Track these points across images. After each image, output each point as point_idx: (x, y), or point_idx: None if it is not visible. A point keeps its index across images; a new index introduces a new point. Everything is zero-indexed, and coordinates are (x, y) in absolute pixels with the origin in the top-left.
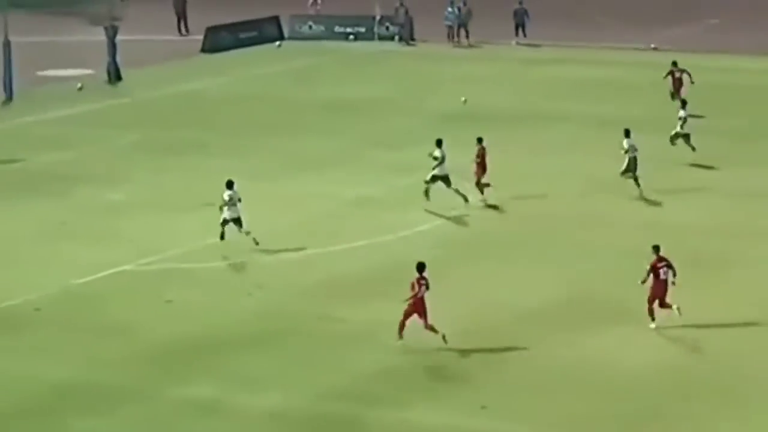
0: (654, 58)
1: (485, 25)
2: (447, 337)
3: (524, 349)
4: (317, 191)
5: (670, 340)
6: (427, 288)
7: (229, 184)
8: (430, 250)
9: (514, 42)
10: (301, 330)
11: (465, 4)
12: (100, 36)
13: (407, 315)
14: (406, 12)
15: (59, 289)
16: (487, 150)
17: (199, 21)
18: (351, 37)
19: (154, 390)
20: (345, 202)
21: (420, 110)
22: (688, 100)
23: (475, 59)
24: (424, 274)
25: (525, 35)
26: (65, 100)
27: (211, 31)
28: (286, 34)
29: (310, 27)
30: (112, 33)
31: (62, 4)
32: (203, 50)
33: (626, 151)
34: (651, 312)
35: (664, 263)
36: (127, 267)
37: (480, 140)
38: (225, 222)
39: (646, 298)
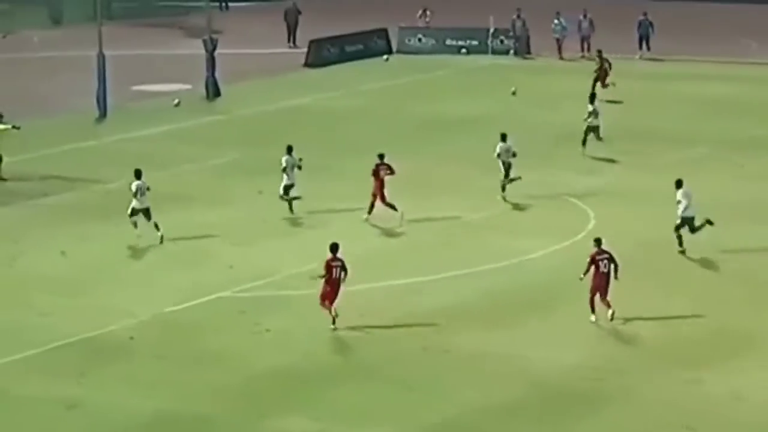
0: None
1: (607, 38)
2: (558, 370)
3: (650, 386)
4: (424, 215)
5: None
6: (345, 271)
7: (137, 174)
8: (541, 279)
9: (638, 56)
10: (404, 360)
11: (585, 16)
12: (198, 49)
13: (324, 299)
14: (523, 24)
15: (153, 316)
16: (386, 169)
17: (303, 34)
18: (463, 50)
19: (249, 422)
20: (453, 227)
21: (534, 128)
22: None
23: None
24: (338, 255)
25: (649, 49)
26: (161, 117)
27: (314, 44)
28: (394, 47)
29: (420, 40)
30: (210, 46)
31: (159, 15)
32: (306, 64)
33: (498, 156)
34: (592, 304)
35: (604, 255)
36: (223, 294)
37: (381, 157)
38: (134, 212)
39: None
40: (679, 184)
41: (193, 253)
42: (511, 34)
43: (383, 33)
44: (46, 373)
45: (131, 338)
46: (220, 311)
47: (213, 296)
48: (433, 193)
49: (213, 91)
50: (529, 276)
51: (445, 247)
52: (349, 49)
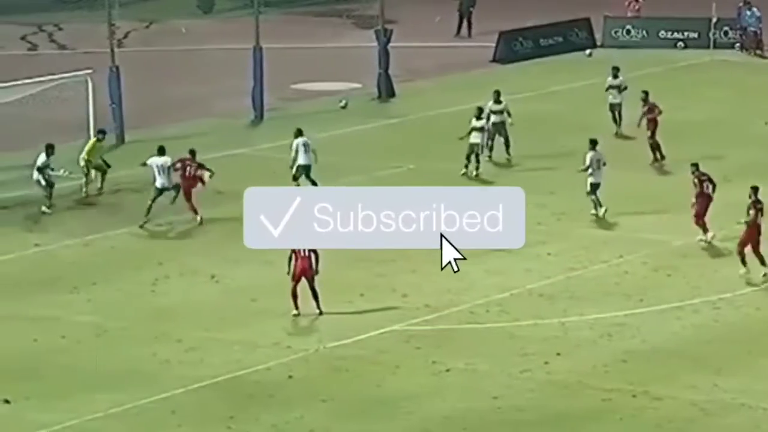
0: None
1: None
2: None
3: None
4: (632, 237)
5: None
6: (315, 255)
7: None
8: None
9: None
10: (609, 410)
11: None
12: (369, 42)
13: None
14: (752, 13)
15: (315, 352)
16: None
17: (492, 23)
18: (680, 44)
19: None
20: (668, 252)
21: (759, 138)
22: None
23: None
24: None
25: None
26: (324, 120)
27: (504, 36)
28: (598, 40)
29: (629, 32)
30: (384, 38)
31: (324, 3)
32: (495, 60)
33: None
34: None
35: (705, 177)
36: (396, 327)
37: (192, 153)
38: None
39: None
40: None
41: (360, 280)
42: (738, 25)
43: (585, 23)
44: (190, 417)
45: (290, 377)
46: (391, 347)
47: (384, 330)
48: (643, 213)
49: (386, 90)
50: (755, 311)
51: (661, 275)
52: (544, 42)
